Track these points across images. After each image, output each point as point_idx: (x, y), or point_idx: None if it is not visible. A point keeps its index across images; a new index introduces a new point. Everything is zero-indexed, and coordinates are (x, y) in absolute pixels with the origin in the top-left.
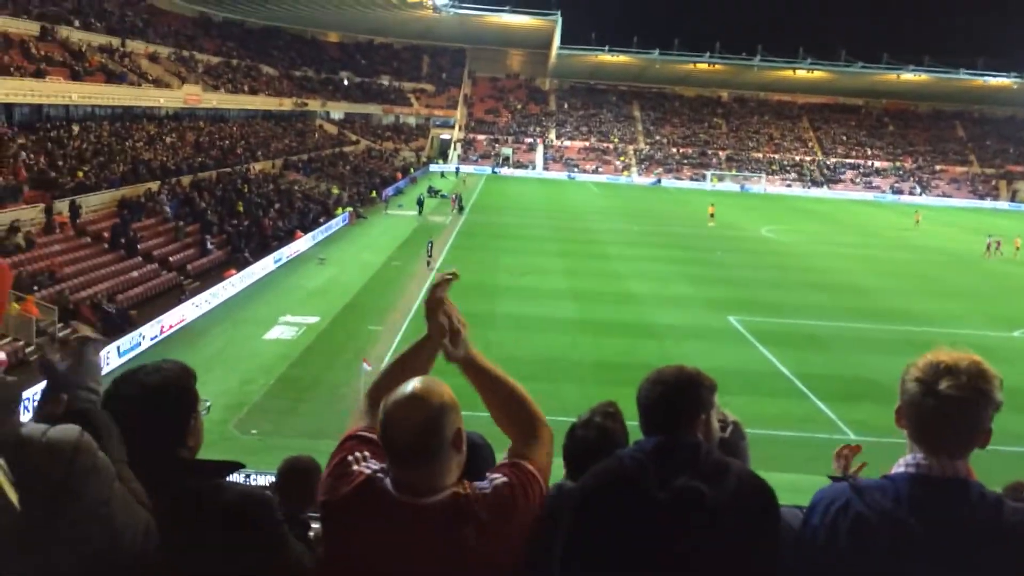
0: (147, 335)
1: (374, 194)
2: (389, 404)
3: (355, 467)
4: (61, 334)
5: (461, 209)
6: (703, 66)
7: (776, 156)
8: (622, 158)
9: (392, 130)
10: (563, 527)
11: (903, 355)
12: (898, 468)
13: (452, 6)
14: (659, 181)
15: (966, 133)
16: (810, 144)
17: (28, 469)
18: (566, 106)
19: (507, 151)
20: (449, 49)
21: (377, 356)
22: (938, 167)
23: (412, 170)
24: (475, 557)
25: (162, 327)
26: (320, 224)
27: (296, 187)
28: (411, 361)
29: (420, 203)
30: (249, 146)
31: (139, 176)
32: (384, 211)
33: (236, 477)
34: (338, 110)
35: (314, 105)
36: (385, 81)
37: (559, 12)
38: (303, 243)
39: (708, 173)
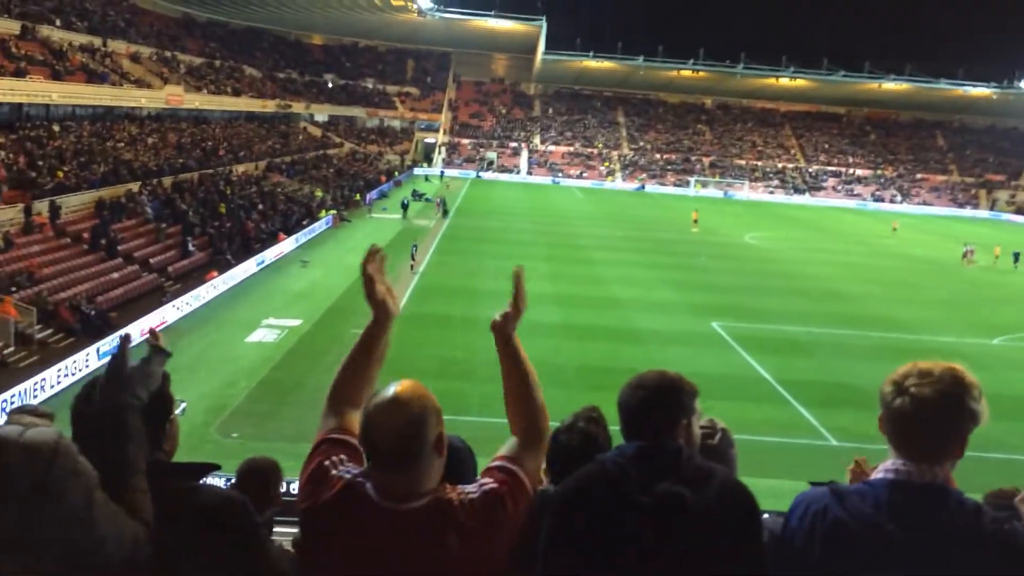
0: (146, 328)
1: (358, 197)
2: (371, 408)
3: (333, 472)
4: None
5: (445, 213)
6: (687, 73)
7: (759, 163)
8: (606, 163)
9: (376, 133)
10: (544, 531)
11: (885, 361)
12: (878, 474)
13: (437, 10)
14: (643, 187)
15: (946, 142)
16: (792, 151)
17: (5, 469)
18: (551, 111)
19: (492, 155)
20: (434, 53)
21: None
22: (919, 175)
23: (396, 173)
24: (458, 562)
25: (142, 329)
26: (303, 227)
27: (279, 189)
28: (363, 351)
29: (404, 206)
30: (232, 148)
31: (120, 177)
32: (368, 214)
33: (216, 481)
34: (322, 112)
35: (298, 107)
36: (369, 84)
37: (544, 17)
38: (286, 245)
39: (692, 179)
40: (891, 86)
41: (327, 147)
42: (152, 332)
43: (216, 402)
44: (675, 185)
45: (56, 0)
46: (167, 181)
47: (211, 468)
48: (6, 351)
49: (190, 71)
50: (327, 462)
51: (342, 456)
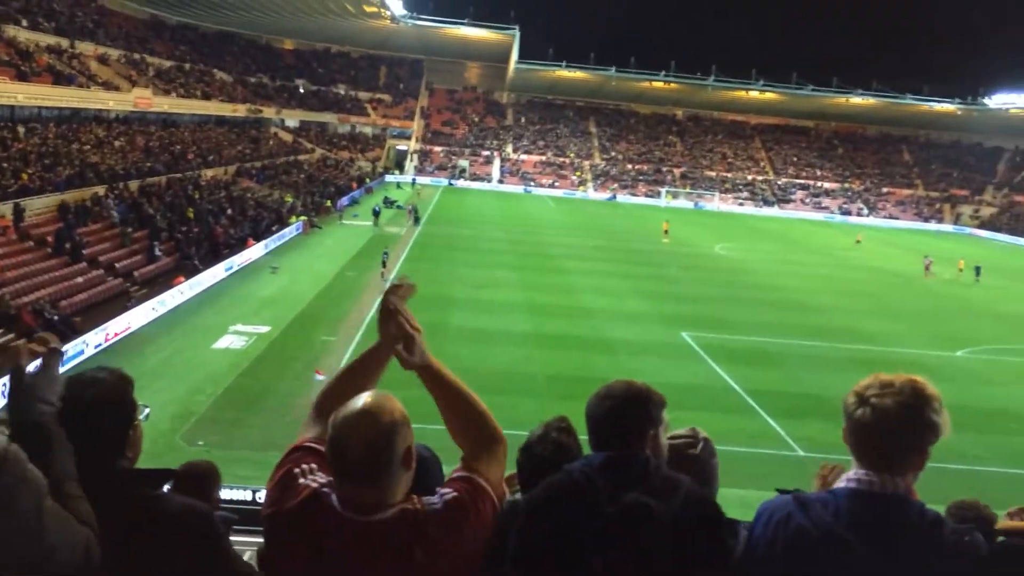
0: (91, 343)
1: (329, 203)
2: (339, 419)
3: (301, 480)
4: (20, 340)
5: (417, 220)
6: (659, 84)
7: (729, 175)
8: (578, 173)
9: (348, 139)
10: (512, 540)
11: (851, 373)
12: (841, 483)
13: (410, 17)
14: (614, 197)
15: (912, 157)
16: (762, 164)
17: None
18: (523, 120)
19: (464, 163)
20: (407, 60)
21: (330, 367)
22: (885, 189)
23: (368, 180)
24: (423, 574)
25: (107, 335)
26: (273, 232)
27: (249, 194)
28: (361, 369)
29: (376, 213)
30: (201, 152)
31: (86, 180)
32: (339, 221)
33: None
34: (293, 118)
35: (269, 112)
36: (341, 90)
37: (517, 27)
38: (255, 251)
39: (663, 190)
40: (858, 101)
41: (298, 153)
42: (39, 339)
43: (182, 409)
44: (646, 196)
45: (23, 0)
46: (134, 185)
47: (172, 474)
48: None
49: (159, 74)
50: (296, 469)
51: (313, 464)
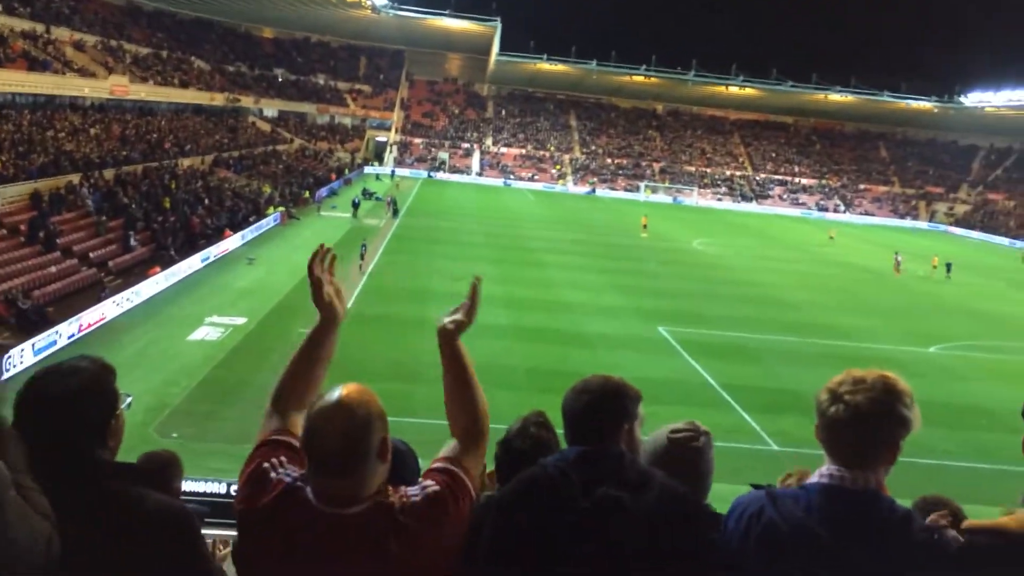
0: (64, 333)
1: (307, 194)
2: (314, 412)
3: (273, 475)
4: None
5: (396, 212)
6: (639, 78)
7: (708, 170)
8: (557, 167)
9: (327, 130)
10: (485, 533)
11: (826, 368)
12: (813, 478)
13: (391, 7)
14: (594, 191)
15: (889, 154)
16: (741, 159)
17: None
18: (503, 113)
19: (443, 155)
20: (387, 50)
21: None
22: (862, 186)
23: (347, 171)
24: (399, 566)
25: (80, 325)
26: (250, 223)
27: (226, 185)
28: (309, 353)
29: (355, 205)
30: (178, 141)
31: (60, 168)
32: (317, 212)
33: None
34: (272, 108)
35: (247, 101)
36: (321, 80)
37: (499, 19)
38: (232, 242)
39: (642, 184)
40: (837, 97)
41: (276, 143)
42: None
43: (156, 401)
44: (625, 190)
45: None
46: (109, 173)
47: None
48: None
49: (136, 61)
50: (266, 464)
51: (283, 458)
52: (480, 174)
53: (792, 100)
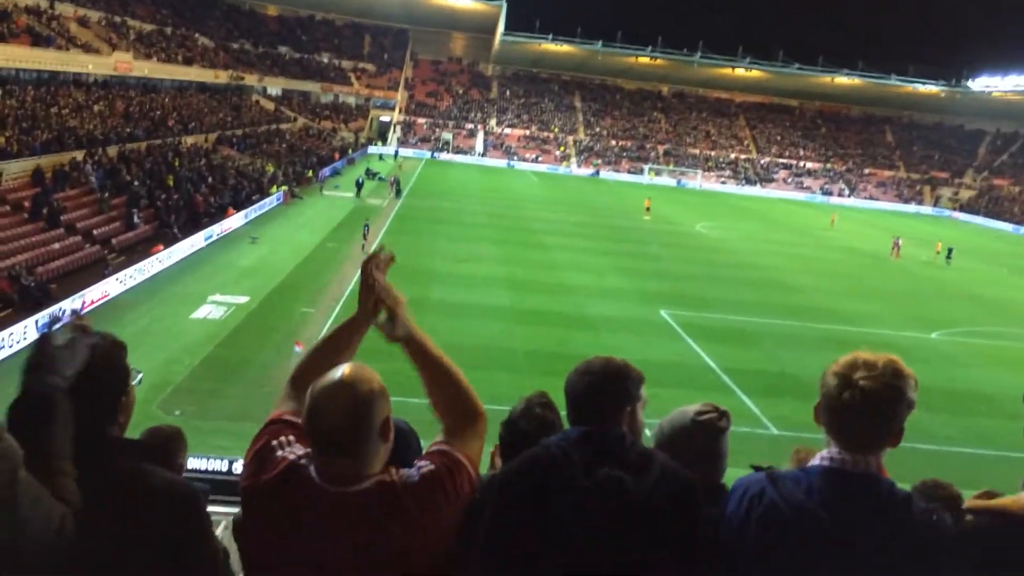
0: (67, 310)
1: (310, 174)
2: (317, 390)
3: (279, 452)
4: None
5: (399, 193)
6: (644, 59)
7: (712, 153)
8: (562, 148)
9: (331, 109)
10: (486, 512)
11: (826, 352)
12: (815, 461)
13: None
14: (598, 172)
15: (895, 138)
16: (746, 143)
17: None
18: (508, 93)
19: (447, 136)
20: (392, 29)
21: (309, 339)
22: (867, 170)
23: (350, 151)
24: (400, 546)
25: (84, 302)
26: (254, 202)
27: (230, 163)
28: (338, 342)
29: (359, 185)
30: (182, 118)
31: (64, 144)
32: (320, 191)
33: None
34: (275, 86)
35: (251, 79)
36: (325, 58)
37: None
38: (235, 221)
39: (646, 167)
40: (843, 80)
41: (280, 121)
42: (75, 313)
43: (159, 378)
44: (629, 172)
45: None
46: (113, 150)
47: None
48: None
49: (140, 38)
50: (274, 442)
51: (290, 437)
52: (484, 155)
53: (798, 83)
